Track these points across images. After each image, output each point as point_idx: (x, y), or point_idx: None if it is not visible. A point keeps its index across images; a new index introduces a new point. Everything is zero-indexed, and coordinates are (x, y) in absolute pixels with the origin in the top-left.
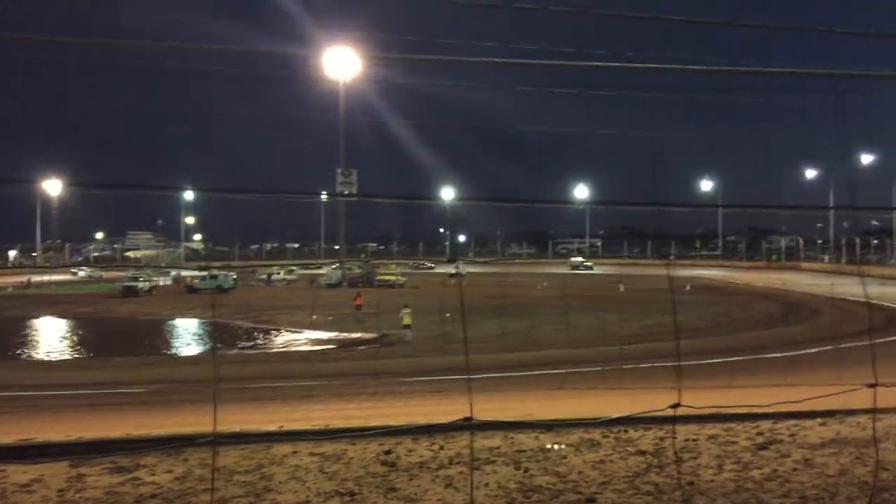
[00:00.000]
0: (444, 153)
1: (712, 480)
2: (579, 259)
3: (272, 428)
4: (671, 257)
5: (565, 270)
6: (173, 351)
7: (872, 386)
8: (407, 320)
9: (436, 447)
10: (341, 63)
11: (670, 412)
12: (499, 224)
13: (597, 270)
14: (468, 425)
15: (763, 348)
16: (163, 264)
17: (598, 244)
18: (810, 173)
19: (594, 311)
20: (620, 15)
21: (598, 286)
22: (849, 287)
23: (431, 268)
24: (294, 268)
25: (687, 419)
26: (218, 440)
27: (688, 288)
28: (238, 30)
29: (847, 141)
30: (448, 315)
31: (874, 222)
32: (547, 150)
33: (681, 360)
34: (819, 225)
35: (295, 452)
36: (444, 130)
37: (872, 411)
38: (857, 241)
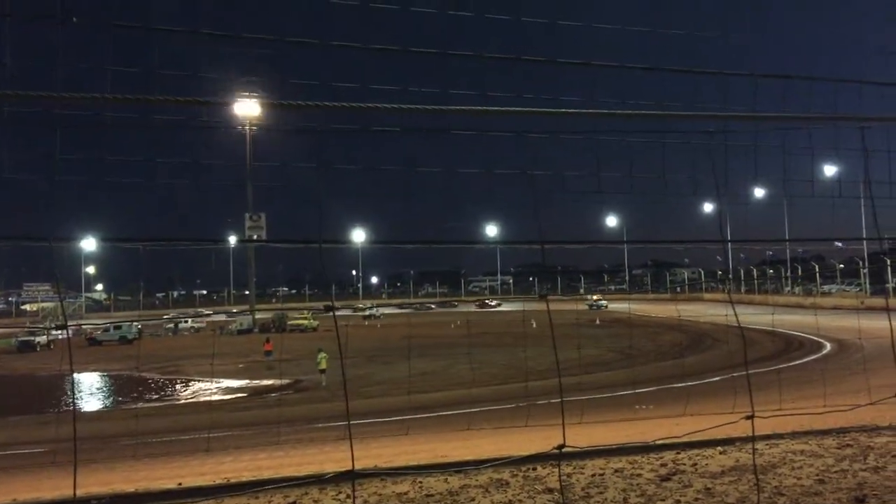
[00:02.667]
0: (354, 195)
1: None
2: (596, 298)
3: (171, 485)
4: (580, 291)
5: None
6: (72, 407)
7: (749, 418)
8: (323, 364)
9: (342, 496)
10: (246, 109)
11: (556, 451)
12: (410, 265)
13: (507, 307)
14: (360, 473)
15: (669, 378)
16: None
17: (510, 281)
18: (707, 207)
19: (508, 348)
20: (518, 57)
21: (511, 322)
22: (748, 316)
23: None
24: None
25: (595, 453)
26: (114, 502)
27: (597, 322)
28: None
29: (723, 179)
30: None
31: (769, 252)
32: (454, 190)
33: (591, 394)
34: (718, 258)
35: None
36: (354, 174)
37: (764, 437)
38: (754, 271)
